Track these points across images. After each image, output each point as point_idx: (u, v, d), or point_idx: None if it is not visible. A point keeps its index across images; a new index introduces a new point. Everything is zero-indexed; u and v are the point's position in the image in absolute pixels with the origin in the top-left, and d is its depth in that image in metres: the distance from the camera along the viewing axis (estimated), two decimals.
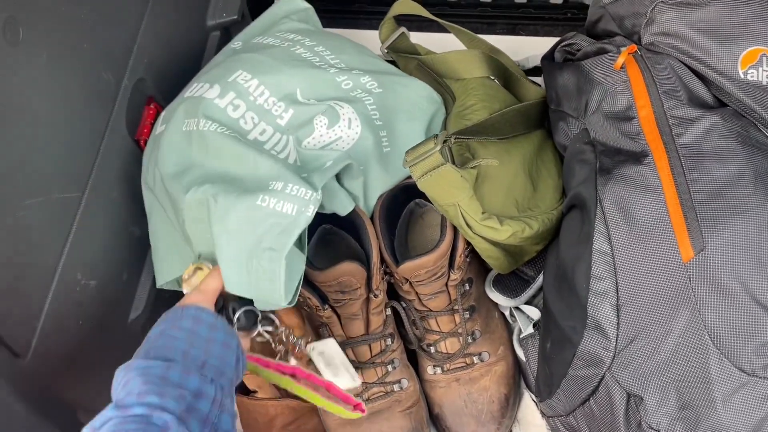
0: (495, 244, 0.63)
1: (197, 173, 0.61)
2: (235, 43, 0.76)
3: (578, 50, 0.72)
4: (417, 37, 0.89)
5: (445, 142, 0.56)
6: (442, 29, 0.84)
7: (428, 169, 0.55)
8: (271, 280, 0.56)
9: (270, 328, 0.62)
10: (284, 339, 0.63)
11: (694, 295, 0.51)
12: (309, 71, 0.68)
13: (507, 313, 0.74)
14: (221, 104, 0.65)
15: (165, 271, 0.68)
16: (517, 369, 0.72)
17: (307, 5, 0.83)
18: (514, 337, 0.72)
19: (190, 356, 0.49)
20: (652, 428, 0.52)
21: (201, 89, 0.67)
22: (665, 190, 0.54)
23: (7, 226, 0.52)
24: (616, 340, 0.53)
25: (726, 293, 0.50)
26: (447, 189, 0.57)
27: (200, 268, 0.61)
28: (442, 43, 0.85)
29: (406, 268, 0.63)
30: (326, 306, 0.64)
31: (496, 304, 0.73)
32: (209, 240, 0.59)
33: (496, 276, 0.73)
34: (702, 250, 0.51)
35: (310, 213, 0.56)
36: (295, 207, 0.56)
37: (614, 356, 0.53)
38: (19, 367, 0.53)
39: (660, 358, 0.52)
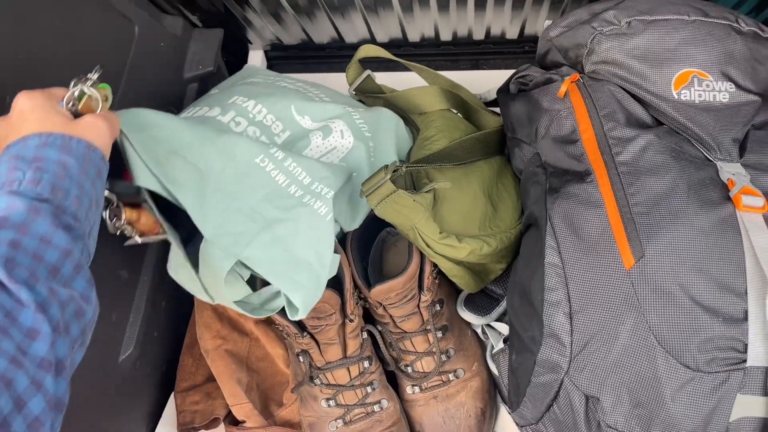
0: (458, 263, 0.67)
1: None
2: (213, 90, 0.80)
3: (531, 81, 0.77)
4: (383, 77, 0.95)
5: (395, 171, 0.61)
6: (406, 68, 0.89)
7: (382, 197, 0.60)
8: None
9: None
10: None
11: (637, 300, 0.55)
12: (299, 96, 0.73)
13: (479, 331, 0.77)
14: (224, 119, 0.68)
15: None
16: (492, 383, 0.76)
17: (264, 68, 0.88)
18: (487, 353, 0.75)
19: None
20: (610, 427, 0.56)
21: (200, 111, 0.70)
22: (606, 205, 0.59)
23: None
24: (571, 346, 0.57)
25: (666, 296, 0.55)
26: (402, 213, 0.62)
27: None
28: (406, 81, 0.91)
29: (377, 291, 0.67)
30: (305, 333, 0.68)
31: (468, 323, 0.77)
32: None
33: (467, 296, 0.77)
34: (642, 257, 0.55)
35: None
36: (288, 181, 0.61)
37: (570, 361, 0.57)
38: None
39: (612, 360, 0.56)
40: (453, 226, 0.67)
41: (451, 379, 0.72)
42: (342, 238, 0.71)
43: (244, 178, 0.61)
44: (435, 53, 1.09)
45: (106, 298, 0.71)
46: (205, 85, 0.93)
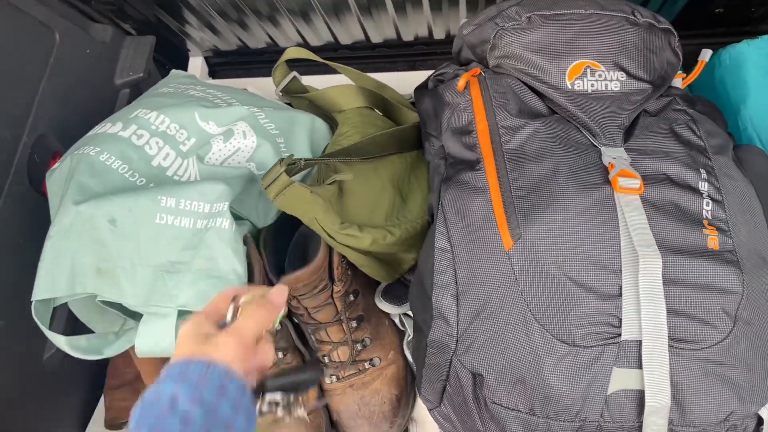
0: (365, 253, 0.70)
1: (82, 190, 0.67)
2: (134, 102, 0.83)
3: (446, 78, 0.80)
4: (317, 80, 0.97)
5: (293, 164, 0.63)
6: (337, 71, 0.92)
7: (279, 189, 0.62)
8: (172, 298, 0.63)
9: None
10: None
11: (516, 279, 0.57)
12: (205, 103, 0.76)
13: (397, 320, 0.79)
14: (125, 135, 0.71)
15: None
16: (410, 371, 0.78)
17: (191, 73, 0.91)
18: (404, 342, 0.77)
19: None
20: (495, 404, 0.58)
21: (103, 127, 0.73)
22: (491, 190, 0.61)
23: None
24: (457, 325, 0.59)
25: (543, 275, 0.57)
26: (301, 206, 0.64)
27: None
28: (338, 83, 0.93)
29: (284, 282, 0.69)
30: None
31: (387, 313, 0.79)
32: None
33: (385, 287, 0.79)
34: (519, 239, 0.58)
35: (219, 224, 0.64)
36: (191, 221, 0.63)
37: (457, 341, 0.59)
38: None
39: (494, 338, 0.57)
40: (358, 217, 0.69)
41: (367, 367, 0.74)
42: (258, 232, 0.74)
43: (158, 242, 0.65)
44: (371, 56, 1.11)
45: (27, 296, 0.73)
46: (138, 90, 0.96)
